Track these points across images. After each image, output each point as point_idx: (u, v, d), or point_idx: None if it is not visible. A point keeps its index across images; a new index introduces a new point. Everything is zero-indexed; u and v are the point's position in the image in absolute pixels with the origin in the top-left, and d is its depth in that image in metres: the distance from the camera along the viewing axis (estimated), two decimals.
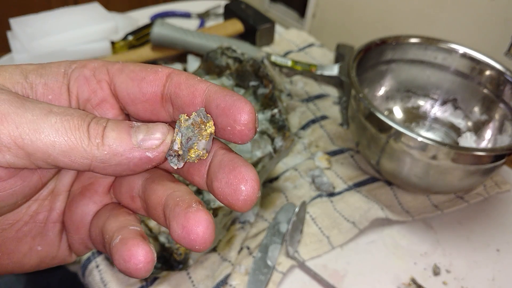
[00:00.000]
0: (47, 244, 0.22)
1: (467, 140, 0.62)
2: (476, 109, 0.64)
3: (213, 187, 0.19)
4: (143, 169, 0.19)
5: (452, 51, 0.63)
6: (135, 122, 0.18)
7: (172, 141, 0.19)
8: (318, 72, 0.69)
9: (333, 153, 0.64)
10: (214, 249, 0.50)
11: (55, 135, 0.16)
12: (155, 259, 0.18)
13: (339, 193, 0.58)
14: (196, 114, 0.19)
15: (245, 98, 0.18)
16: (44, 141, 0.16)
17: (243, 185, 0.17)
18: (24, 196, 0.20)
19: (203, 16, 0.95)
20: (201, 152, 0.19)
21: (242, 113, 0.18)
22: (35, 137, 0.16)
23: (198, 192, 0.46)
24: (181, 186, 0.20)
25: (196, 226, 0.17)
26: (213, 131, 0.19)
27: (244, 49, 0.73)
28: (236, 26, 0.86)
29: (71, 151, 0.17)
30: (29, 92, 0.19)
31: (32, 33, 0.73)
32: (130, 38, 0.79)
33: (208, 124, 0.19)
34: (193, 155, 0.19)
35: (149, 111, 0.20)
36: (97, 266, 0.48)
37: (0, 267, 0.21)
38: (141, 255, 0.17)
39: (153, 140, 0.18)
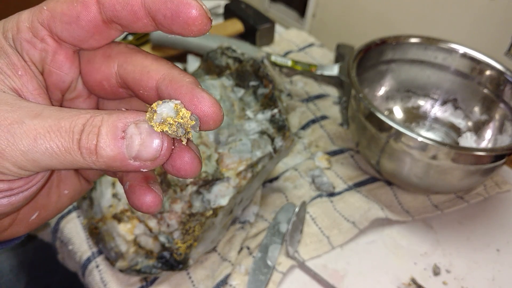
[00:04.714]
0: (71, 185, 0.24)
1: (467, 140, 0.62)
2: (476, 109, 0.63)
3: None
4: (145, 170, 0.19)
5: (452, 51, 0.63)
6: (127, 121, 0.18)
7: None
8: (318, 72, 0.69)
9: (333, 153, 0.64)
10: (214, 249, 0.50)
11: (50, 160, 0.17)
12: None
13: (339, 193, 0.58)
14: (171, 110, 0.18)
15: None
16: (43, 166, 0.17)
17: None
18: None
19: None
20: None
21: (191, 12, 0.17)
22: (33, 166, 0.17)
23: (198, 192, 0.46)
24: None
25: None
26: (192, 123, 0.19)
27: (244, 49, 0.73)
28: (236, 26, 0.86)
29: (70, 165, 0.17)
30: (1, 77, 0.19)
31: None
32: (130, 38, 0.79)
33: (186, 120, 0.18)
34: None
35: (102, 40, 0.20)
36: (97, 266, 0.48)
37: (40, 220, 0.23)
38: None
39: (148, 155, 0.18)
